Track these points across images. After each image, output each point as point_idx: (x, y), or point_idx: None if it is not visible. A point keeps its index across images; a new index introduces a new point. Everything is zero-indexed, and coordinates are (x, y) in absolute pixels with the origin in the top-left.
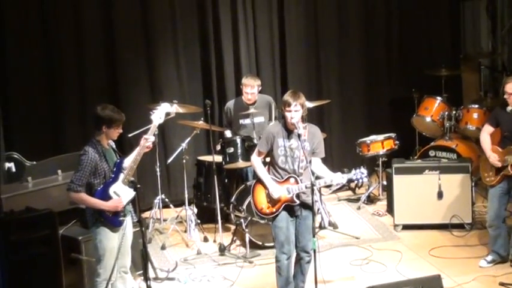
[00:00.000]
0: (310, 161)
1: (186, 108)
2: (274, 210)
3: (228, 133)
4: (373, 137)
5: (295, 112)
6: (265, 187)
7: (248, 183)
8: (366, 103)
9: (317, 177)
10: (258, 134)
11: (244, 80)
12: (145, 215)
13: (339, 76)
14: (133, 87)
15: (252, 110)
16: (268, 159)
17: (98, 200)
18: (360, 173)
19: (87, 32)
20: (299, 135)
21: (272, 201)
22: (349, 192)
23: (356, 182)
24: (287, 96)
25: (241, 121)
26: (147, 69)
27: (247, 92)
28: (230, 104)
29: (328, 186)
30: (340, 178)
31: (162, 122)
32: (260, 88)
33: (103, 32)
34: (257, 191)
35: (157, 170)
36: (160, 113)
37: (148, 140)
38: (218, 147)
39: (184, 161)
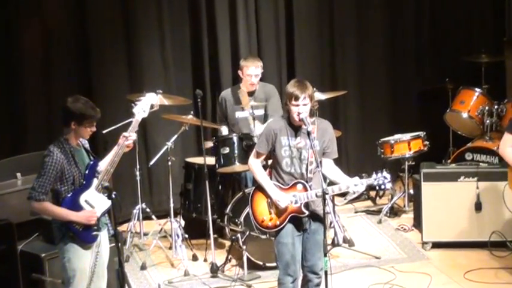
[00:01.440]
0: (320, 163)
1: (172, 100)
2: (278, 223)
3: (224, 130)
4: (397, 136)
5: (304, 106)
6: (267, 195)
7: (247, 190)
8: (389, 95)
9: (329, 183)
10: (259, 130)
11: (243, 62)
12: (122, 228)
13: (358, 62)
14: (109, 75)
15: (252, 102)
16: (270, 162)
17: (66, 210)
18: (383, 178)
19: (54, 6)
20: (308, 133)
21: (276, 212)
22: (369, 203)
23: (377, 188)
24: (292, 88)
25: (237, 114)
26: (126, 52)
27: (250, 74)
28: (226, 93)
29: (343, 195)
30: (357, 184)
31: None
32: (262, 71)
33: (72, 6)
34: (257, 199)
35: (137, 174)
36: (144, 105)
37: (129, 137)
38: (209, 144)
39: (169, 163)
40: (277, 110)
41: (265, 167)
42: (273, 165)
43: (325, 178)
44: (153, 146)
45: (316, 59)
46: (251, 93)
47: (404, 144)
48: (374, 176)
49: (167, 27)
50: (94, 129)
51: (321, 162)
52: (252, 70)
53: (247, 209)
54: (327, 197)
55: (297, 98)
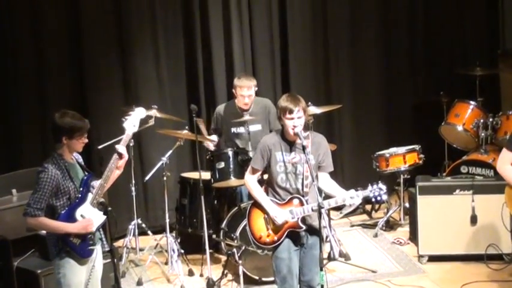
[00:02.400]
0: (316, 177)
1: (167, 115)
2: (276, 238)
3: (214, 137)
4: (393, 150)
5: (298, 119)
6: (264, 211)
7: (242, 205)
8: (384, 108)
9: (325, 197)
10: (254, 145)
11: (237, 82)
12: (118, 243)
13: (352, 76)
14: (104, 91)
15: (246, 117)
16: (265, 177)
17: (63, 223)
18: (378, 190)
19: (47, 21)
20: (303, 148)
21: (274, 228)
22: (364, 216)
23: (373, 200)
24: (286, 102)
25: (233, 130)
26: (121, 68)
27: (243, 94)
28: (220, 109)
29: (339, 209)
30: (353, 196)
31: (137, 131)
32: (256, 89)
33: (66, 21)
34: (254, 215)
35: (133, 189)
36: (133, 119)
37: (119, 150)
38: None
39: (165, 178)
40: (277, 124)
41: (261, 182)
42: (269, 181)
43: (320, 192)
44: (148, 161)
45: (310, 73)
46: (245, 110)
47: (400, 157)
48: (370, 187)
49: (162, 42)
50: (86, 140)
51: (316, 176)
52: (245, 91)
53: (243, 224)
54: (323, 210)
55: (291, 111)
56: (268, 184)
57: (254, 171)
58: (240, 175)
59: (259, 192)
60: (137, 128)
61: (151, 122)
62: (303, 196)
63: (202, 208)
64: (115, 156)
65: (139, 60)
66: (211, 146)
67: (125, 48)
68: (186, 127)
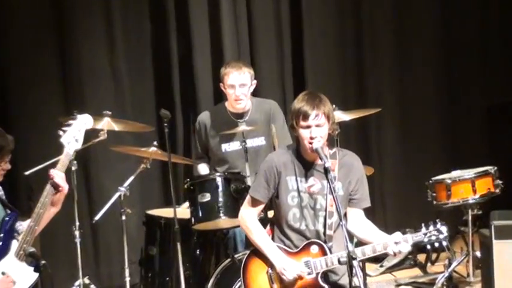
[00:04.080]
0: (345, 216)
1: (126, 125)
2: None
3: (202, 169)
4: (456, 174)
5: (318, 129)
6: (268, 263)
7: (237, 255)
8: (443, 114)
9: (357, 244)
10: (255, 168)
11: (223, 69)
12: None
13: (397, 69)
14: (33, 91)
15: (243, 127)
16: (270, 214)
17: None
18: (436, 233)
19: None
20: (326, 170)
21: (281, 287)
22: (416, 271)
23: (429, 247)
24: (301, 102)
25: (224, 147)
26: (58, 61)
27: (232, 84)
28: (205, 116)
29: (379, 260)
30: (399, 242)
31: (82, 149)
32: (255, 83)
33: None
34: (253, 270)
35: (77, 234)
36: (75, 132)
37: (55, 179)
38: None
39: (123, 217)
40: (287, 136)
41: (264, 221)
42: (276, 220)
43: (351, 237)
44: (99, 194)
45: (335, 65)
46: (241, 115)
47: (467, 184)
48: (423, 229)
49: (118, 24)
50: (8, 166)
51: (345, 214)
52: (234, 78)
53: (238, 284)
54: (355, 263)
55: (306, 117)
56: (275, 224)
57: (254, 204)
58: (234, 212)
59: (260, 236)
60: (81, 145)
61: (103, 136)
62: (325, 242)
63: (178, 261)
64: (49, 186)
65: (85, 49)
66: (200, 169)
67: (65, 34)
68: (155, 142)
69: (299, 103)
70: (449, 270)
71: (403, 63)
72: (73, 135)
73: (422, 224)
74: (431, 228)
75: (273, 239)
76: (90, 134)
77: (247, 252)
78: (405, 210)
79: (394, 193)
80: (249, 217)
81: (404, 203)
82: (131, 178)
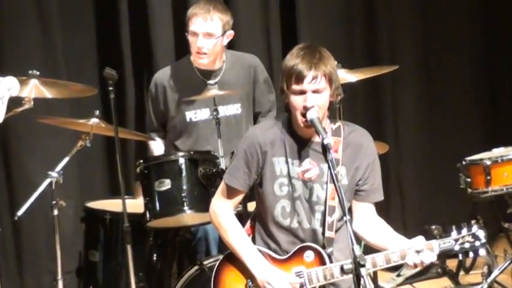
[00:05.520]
0: (349, 211)
1: (59, 89)
2: None
3: (157, 146)
4: (498, 152)
5: (315, 95)
6: (247, 272)
7: (206, 262)
8: (479, 76)
9: (367, 249)
10: (230, 146)
11: (189, 12)
12: None
13: (418, 16)
14: None
15: (213, 91)
16: (251, 207)
17: None
18: (471, 239)
19: None
20: (324, 148)
21: None
22: (444, 282)
23: (461, 257)
24: (295, 59)
25: (189, 115)
26: None
27: (194, 31)
28: (163, 75)
29: (396, 268)
30: (421, 249)
31: (1, 122)
32: (231, 36)
33: None
34: (227, 281)
35: None
36: None
37: None
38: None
39: (55, 212)
40: (272, 103)
41: (243, 216)
42: (259, 214)
43: (358, 239)
44: (22, 181)
45: (337, 8)
46: (211, 74)
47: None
48: (454, 234)
49: None
50: None
51: (349, 209)
52: (198, 24)
53: None
54: (363, 272)
55: (300, 78)
56: (257, 220)
57: (230, 194)
58: (202, 204)
59: (238, 237)
60: (2, 115)
61: (29, 104)
62: (323, 247)
63: (129, 269)
64: None
65: None
66: (155, 147)
67: None
68: (97, 112)
69: (292, 60)
70: (489, 280)
71: (428, 5)
72: None
73: (453, 227)
74: (464, 232)
75: (253, 240)
76: (12, 101)
77: (220, 258)
78: (429, 202)
79: (415, 178)
80: (222, 211)
81: (429, 192)
82: (65, 160)
